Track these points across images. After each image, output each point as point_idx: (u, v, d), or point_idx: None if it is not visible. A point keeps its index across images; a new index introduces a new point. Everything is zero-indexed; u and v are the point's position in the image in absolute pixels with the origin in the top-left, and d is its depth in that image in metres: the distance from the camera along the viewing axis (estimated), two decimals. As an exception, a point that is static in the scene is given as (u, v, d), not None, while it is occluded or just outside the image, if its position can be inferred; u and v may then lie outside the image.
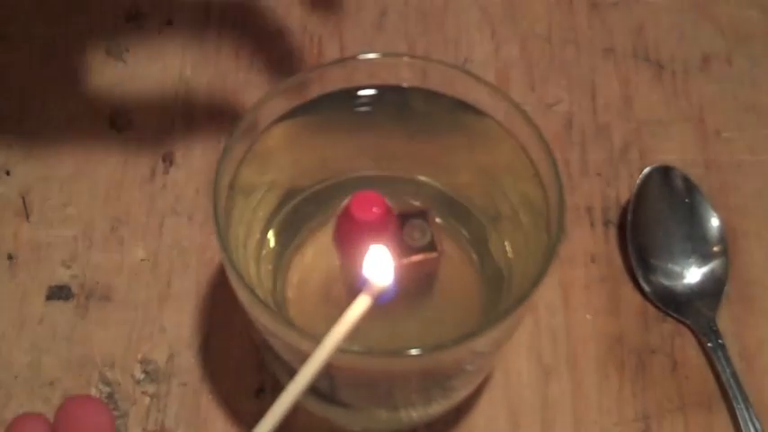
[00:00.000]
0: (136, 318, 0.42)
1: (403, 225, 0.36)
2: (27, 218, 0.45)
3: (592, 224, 0.45)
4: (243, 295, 0.33)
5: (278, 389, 0.40)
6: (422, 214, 0.37)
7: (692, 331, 0.42)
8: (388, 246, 0.32)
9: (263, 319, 0.32)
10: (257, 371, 0.41)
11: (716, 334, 0.41)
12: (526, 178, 0.36)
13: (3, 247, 0.44)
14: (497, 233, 0.38)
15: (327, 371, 0.33)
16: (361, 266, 0.32)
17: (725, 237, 0.44)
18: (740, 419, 0.39)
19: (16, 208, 0.45)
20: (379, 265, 0.31)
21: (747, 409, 0.39)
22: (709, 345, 0.41)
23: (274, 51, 0.50)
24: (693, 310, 0.42)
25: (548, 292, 0.43)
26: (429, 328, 0.38)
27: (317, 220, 0.39)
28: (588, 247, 0.44)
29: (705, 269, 0.43)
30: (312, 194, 0.39)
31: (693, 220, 0.44)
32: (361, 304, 0.30)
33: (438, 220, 0.39)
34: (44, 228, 0.44)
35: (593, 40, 0.50)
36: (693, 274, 0.43)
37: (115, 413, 0.40)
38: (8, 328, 0.42)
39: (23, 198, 0.45)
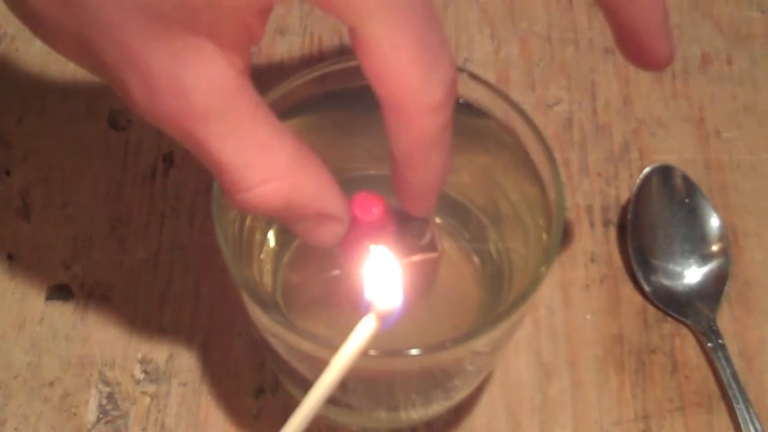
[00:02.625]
0: (136, 318, 0.42)
1: (403, 225, 0.36)
2: (27, 218, 0.45)
3: (592, 224, 0.45)
4: (243, 295, 0.33)
5: (278, 389, 0.40)
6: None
7: (692, 331, 0.42)
8: (391, 252, 0.30)
9: (263, 319, 0.32)
10: (257, 371, 0.41)
11: (716, 334, 0.41)
12: (526, 178, 0.36)
13: (3, 247, 0.44)
14: (497, 233, 0.38)
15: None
16: (363, 284, 0.30)
17: (725, 237, 0.44)
18: (740, 419, 0.39)
19: (16, 208, 0.45)
20: (385, 283, 0.29)
21: (747, 409, 0.39)
22: (709, 345, 0.41)
23: (274, 51, 0.50)
24: (693, 310, 0.42)
25: (548, 292, 0.43)
26: (429, 328, 0.38)
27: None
28: (588, 247, 0.44)
29: (705, 269, 0.43)
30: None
31: (693, 220, 0.44)
32: (365, 329, 0.28)
33: (438, 220, 0.39)
34: (44, 228, 0.44)
35: (593, 40, 0.50)
36: (693, 274, 0.43)
37: (115, 413, 0.40)
38: (8, 328, 0.42)
39: (23, 198, 0.45)
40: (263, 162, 0.28)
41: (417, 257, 0.36)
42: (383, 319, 0.28)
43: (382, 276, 0.29)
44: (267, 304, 0.33)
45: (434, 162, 0.30)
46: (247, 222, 0.37)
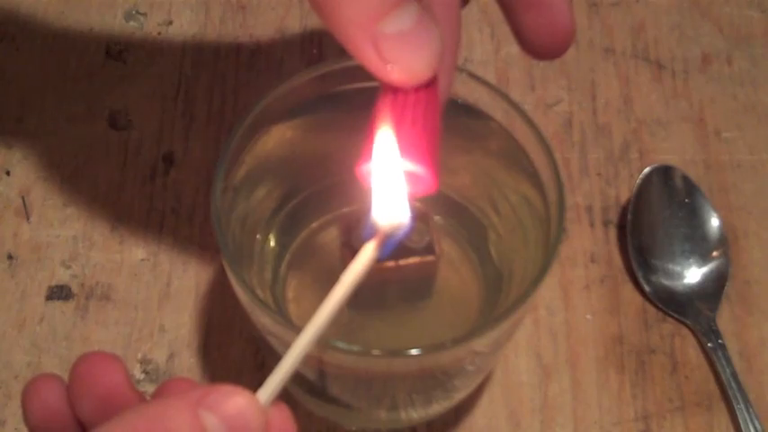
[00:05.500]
0: (136, 318, 0.42)
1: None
2: (27, 218, 0.45)
3: (592, 224, 0.45)
4: (242, 295, 0.33)
5: (278, 389, 0.40)
6: (422, 217, 0.37)
7: (692, 331, 0.42)
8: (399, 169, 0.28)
9: (263, 319, 0.32)
10: (257, 371, 0.41)
11: (716, 334, 0.41)
12: (526, 178, 0.36)
13: (3, 247, 0.44)
14: (497, 233, 0.38)
15: (329, 372, 0.33)
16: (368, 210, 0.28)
17: (725, 237, 0.44)
18: (740, 419, 0.39)
19: (16, 208, 0.45)
20: (391, 198, 0.27)
21: (747, 409, 0.39)
22: (709, 345, 0.41)
23: (274, 51, 0.50)
24: (693, 310, 0.42)
25: (548, 292, 0.43)
26: (429, 328, 0.38)
27: (318, 221, 0.39)
28: (588, 247, 0.44)
29: (705, 269, 0.43)
30: (312, 194, 0.39)
31: (693, 220, 0.44)
32: (366, 253, 0.27)
33: (437, 220, 0.39)
34: (44, 228, 0.44)
35: (593, 40, 0.50)
36: (693, 274, 0.43)
37: (115, 413, 0.40)
38: (8, 328, 0.42)
39: (23, 198, 0.45)
40: None
41: (415, 260, 0.36)
42: (386, 239, 0.27)
43: (388, 192, 0.28)
44: (267, 304, 0.33)
45: None
46: (248, 223, 0.37)
